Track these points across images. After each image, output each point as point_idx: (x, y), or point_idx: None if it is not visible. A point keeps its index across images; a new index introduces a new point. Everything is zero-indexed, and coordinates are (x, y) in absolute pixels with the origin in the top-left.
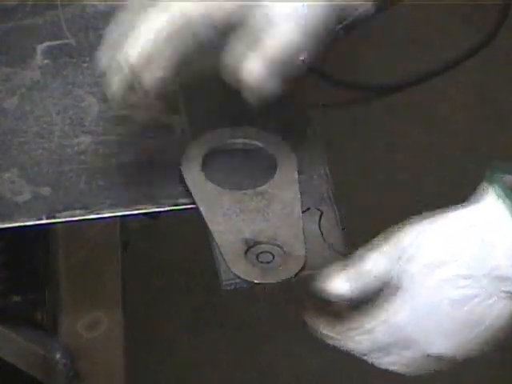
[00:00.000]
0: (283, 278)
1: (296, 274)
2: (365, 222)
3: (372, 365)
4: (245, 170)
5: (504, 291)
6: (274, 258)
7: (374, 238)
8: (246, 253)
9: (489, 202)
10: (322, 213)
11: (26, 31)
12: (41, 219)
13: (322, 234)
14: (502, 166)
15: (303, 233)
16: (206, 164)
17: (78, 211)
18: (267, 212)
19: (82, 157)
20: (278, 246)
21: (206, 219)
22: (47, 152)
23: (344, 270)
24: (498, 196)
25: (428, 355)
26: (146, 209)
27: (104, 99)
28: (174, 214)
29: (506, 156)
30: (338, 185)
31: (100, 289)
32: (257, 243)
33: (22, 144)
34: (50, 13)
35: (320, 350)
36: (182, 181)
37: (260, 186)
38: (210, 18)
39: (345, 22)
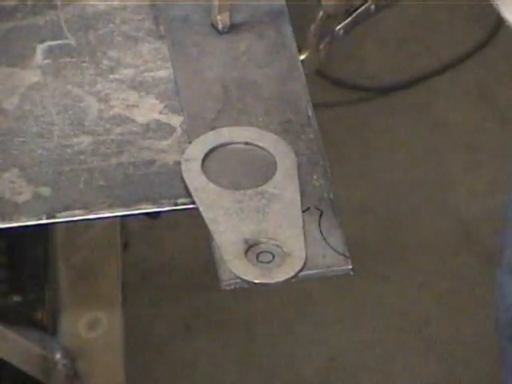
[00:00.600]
0: (283, 278)
1: (296, 274)
2: (365, 221)
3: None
4: (245, 170)
5: None
6: (273, 257)
7: (373, 237)
8: (246, 253)
9: None
10: (321, 213)
11: (25, 31)
12: (41, 219)
13: (322, 234)
14: None
15: (303, 233)
16: (206, 164)
17: (77, 211)
18: (267, 212)
19: (82, 157)
20: (278, 245)
21: (206, 219)
22: (47, 152)
23: None
24: None
25: None
26: (146, 209)
27: None
28: (174, 214)
29: (506, 156)
30: (337, 185)
31: (100, 289)
32: (257, 243)
33: (22, 144)
34: (50, 13)
35: (320, 350)
36: (182, 181)
37: (260, 185)
38: None
39: (345, 22)
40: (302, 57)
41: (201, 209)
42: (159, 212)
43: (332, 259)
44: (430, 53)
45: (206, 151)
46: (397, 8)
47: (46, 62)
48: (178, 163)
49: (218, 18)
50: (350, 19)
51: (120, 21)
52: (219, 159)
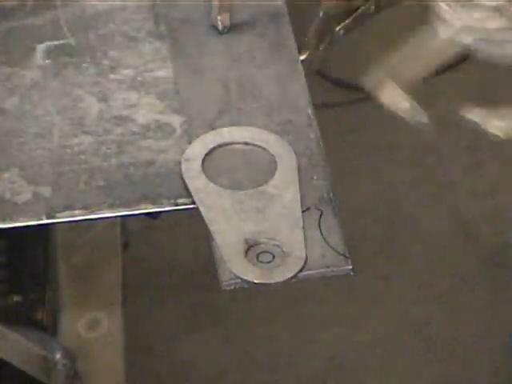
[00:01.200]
0: (283, 278)
1: (296, 274)
2: (365, 221)
3: (371, 364)
4: (245, 170)
5: None
6: (274, 258)
7: (373, 237)
8: (246, 253)
9: None
10: (322, 213)
11: (26, 31)
12: (41, 219)
13: (322, 234)
14: None
15: (303, 233)
16: (206, 164)
17: (77, 211)
18: (267, 212)
19: (82, 157)
20: (278, 246)
21: (206, 219)
22: (47, 152)
23: None
24: None
25: None
26: (146, 209)
27: None
28: (174, 214)
29: (506, 156)
30: (338, 185)
31: (100, 289)
32: (257, 243)
33: (22, 144)
34: (50, 13)
35: (320, 350)
36: (182, 181)
37: (260, 185)
38: None
39: (345, 23)
40: (302, 57)
41: (201, 209)
42: (159, 212)
43: (332, 259)
44: None
45: (205, 151)
46: (397, 8)
47: (46, 62)
48: (178, 163)
49: (218, 18)
50: (350, 19)
51: (120, 21)
52: (219, 159)
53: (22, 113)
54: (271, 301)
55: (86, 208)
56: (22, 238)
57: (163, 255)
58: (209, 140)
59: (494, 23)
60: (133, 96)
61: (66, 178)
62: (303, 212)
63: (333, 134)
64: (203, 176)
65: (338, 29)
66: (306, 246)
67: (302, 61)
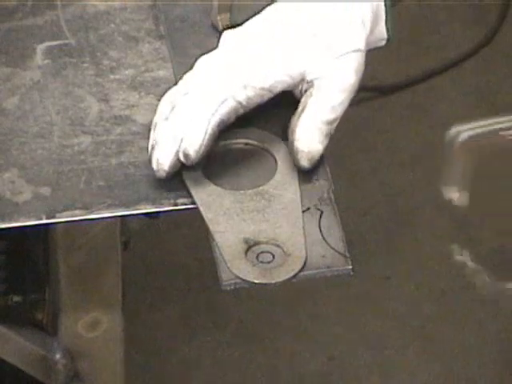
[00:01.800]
0: (283, 278)
1: (296, 274)
2: (364, 221)
3: (371, 364)
4: (245, 169)
5: None
6: (274, 257)
7: (373, 238)
8: (246, 253)
9: None
10: (321, 213)
11: (25, 31)
12: (41, 219)
13: (322, 234)
14: None
15: (303, 233)
16: (206, 164)
17: (78, 211)
18: (267, 212)
19: (82, 157)
20: (278, 246)
21: (207, 219)
22: (47, 152)
23: None
24: None
25: None
26: (146, 209)
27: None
28: (174, 214)
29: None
30: (337, 185)
31: (100, 289)
32: (257, 243)
33: (22, 144)
34: (50, 13)
35: (320, 350)
36: (182, 181)
37: (260, 186)
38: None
39: None
40: None
41: (201, 209)
42: (159, 212)
43: (332, 259)
44: (430, 53)
45: None
46: (397, 8)
47: (46, 62)
48: None
49: (218, 18)
50: None
51: (120, 21)
52: (219, 159)
53: (22, 113)
54: (271, 301)
55: (86, 208)
56: (22, 238)
57: (163, 255)
58: None
59: None
60: (133, 96)
61: (66, 178)
62: (303, 212)
63: (333, 134)
64: (203, 176)
65: None
66: (306, 246)
67: None
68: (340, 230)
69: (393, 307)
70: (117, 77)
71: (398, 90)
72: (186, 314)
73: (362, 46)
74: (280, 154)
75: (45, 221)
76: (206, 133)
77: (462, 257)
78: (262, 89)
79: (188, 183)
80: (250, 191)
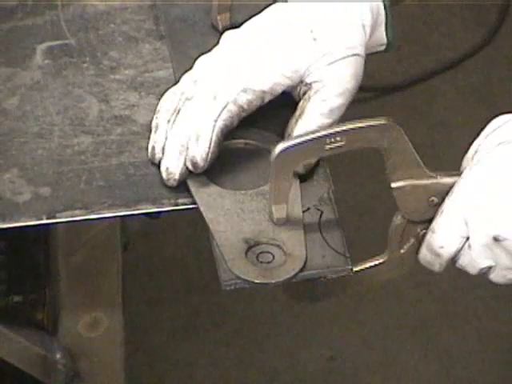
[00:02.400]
0: (283, 278)
1: (296, 274)
2: (364, 222)
3: (371, 364)
4: (245, 170)
5: None
6: (274, 258)
7: (373, 237)
8: (246, 253)
9: None
10: (321, 213)
11: (26, 31)
12: (41, 219)
13: (322, 234)
14: None
15: (303, 233)
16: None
17: (78, 211)
18: (267, 212)
19: (82, 157)
20: (278, 246)
21: (207, 219)
22: (47, 152)
23: None
24: None
25: None
26: (146, 209)
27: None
28: (174, 214)
29: None
30: (337, 185)
31: (100, 289)
32: (257, 243)
33: (22, 144)
34: (50, 13)
35: (320, 350)
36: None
37: (260, 186)
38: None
39: None
40: (382, 259)
41: (201, 209)
42: (159, 212)
43: (332, 259)
44: (430, 53)
45: None
46: (397, 8)
47: (46, 62)
48: None
49: (218, 18)
50: None
51: (120, 21)
52: (219, 159)
53: (22, 113)
54: (271, 301)
55: (86, 208)
56: (22, 237)
57: (163, 255)
58: None
59: None
60: (133, 96)
61: (66, 178)
62: (303, 212)
63: None
64: (204, 176)
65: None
66: (305, 246)
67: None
68: (340, 229)
69: (393, 307)
70: (117, 77)
71: (398, 90)
72: (186, 313)
73: (361, 51)
74: None
75: (45, 221)
76: (211, 140)
77: None
78: (262, 91)
79: (189, 183)
80: (251, 191)
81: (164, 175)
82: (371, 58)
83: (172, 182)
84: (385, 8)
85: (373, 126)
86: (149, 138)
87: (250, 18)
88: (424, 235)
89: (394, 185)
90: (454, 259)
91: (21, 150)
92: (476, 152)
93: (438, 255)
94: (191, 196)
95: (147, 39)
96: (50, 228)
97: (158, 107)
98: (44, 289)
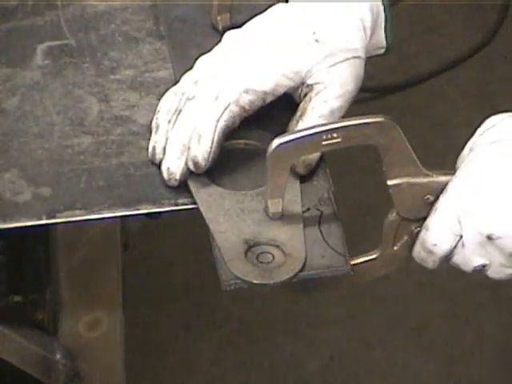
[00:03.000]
0: (283, 279)
1: (296, 274)
2: (365, 221)
3: (371, 364)
4: (245, 170)
5: None
6: (274, 258)
7: (373, 237)
8: (246, 253)
9: None
10: (321, 213)
11: (25, 31)
12: (41, 219)
13: (322, 234)
14: None
15: (303, 233)
16: None
17: (77, 211)
18: (267, 212)
19: (82, 157)
20: (278, 246)
21: (207, 219)
22: (47, 152)
23: None
24: None
25: None
26: (146, 209)
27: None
28: (174, 214)
29: None
30: (337, 185)
31: (100, 289)
32: (257, 244)
33: (22, 144)
34: (50, 13)
35: (320, 350)
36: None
37: (260, 186)
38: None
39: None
40: (373, 256)
41: (201, 209)
42: (159, 212)
43: (331, 259)
44: (430, 53)
45: None
46: (397, 8)
47: (46, 62)
48: None
49: (218, 18)
50: None
51: (121, 21)
52: (219, 160)
53: (22, 113)
54: (271, 301)
55: (86, 208)
56: (22, 237)
57: (163, 255)
58: None
59: None
60: (133, 96)
61: (66, 178)
62: (303, 212)
63: None
64: (204, 176)
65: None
66: (305, 247)
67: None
68: (340, 230)
69: (393, 307)
70: (117, 77)
71: (398, 90)
72: (186, 313)
73: (362, 53)
74: None
75: (45, 221)
76: (213, 140)
77: None
78: (264, 92)
79: (189, 183)
80: (251, 192)
81: (165, 175)
82: (371, 59)
83: (173, 182)
84: (384, 10)
85: (369, 123)
86: (149, 138)
87: (250, 18)
88: (418, 233)
89: (390, 182)
90: (447, 257)
91: (21, 150)
92: (471, 150)
93: (431, 253)
94: (191, 196)
95: (147, 39)
96: (50, 228)
97: (158, 107)
98: (44, 289)
